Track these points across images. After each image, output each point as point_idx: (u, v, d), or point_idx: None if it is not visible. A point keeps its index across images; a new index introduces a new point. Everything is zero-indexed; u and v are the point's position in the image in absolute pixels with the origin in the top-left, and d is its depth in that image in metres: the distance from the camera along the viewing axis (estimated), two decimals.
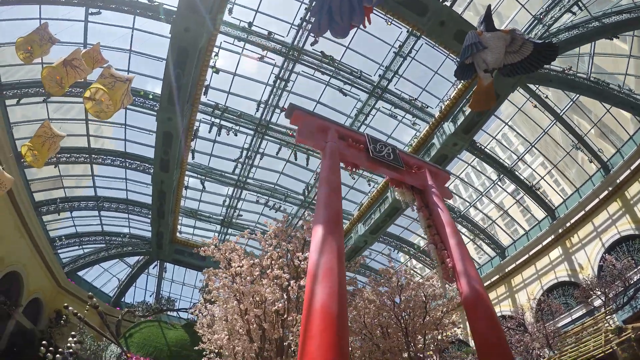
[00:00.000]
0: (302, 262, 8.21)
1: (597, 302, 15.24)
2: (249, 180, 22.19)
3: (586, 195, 17.10)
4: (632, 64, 16.00)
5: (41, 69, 8.40)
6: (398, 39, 16.39)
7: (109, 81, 8.75)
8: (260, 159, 20.83)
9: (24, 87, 15.71)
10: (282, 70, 17.07)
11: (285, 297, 8.14)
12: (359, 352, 10.05)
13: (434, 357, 10.20)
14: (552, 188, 22.08)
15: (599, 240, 16.40)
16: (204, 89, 16.48)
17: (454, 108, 17.01)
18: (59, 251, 24.45)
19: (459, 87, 16.74)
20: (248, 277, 8.19)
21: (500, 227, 25.71)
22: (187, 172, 20.60)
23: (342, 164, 8.54)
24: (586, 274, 16.12)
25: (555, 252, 18.40)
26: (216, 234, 8.72)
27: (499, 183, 21.49)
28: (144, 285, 30.06)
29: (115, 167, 20.83)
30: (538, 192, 19.42)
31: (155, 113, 16.37)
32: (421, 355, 9.83)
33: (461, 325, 12.81)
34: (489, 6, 6.96)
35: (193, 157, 20.10)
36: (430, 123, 17.74)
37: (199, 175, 21.65)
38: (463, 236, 18.42)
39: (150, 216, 22.56)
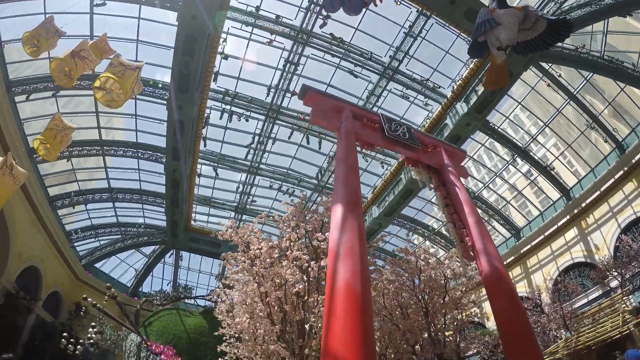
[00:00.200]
0: (322, 243, 8.14)
1: (614, 283, 15.08)
2: (261, 166, 22.19)
3: (601, 175, 16.79)
4: None
5: (49, 64, 8.33)
6: (408, 19, 16.09)
7: (118, 70, 8.67)
8: (273, 144, 20.78)
9: (32, 83, 15.74)
10: (292, 54, 16.88)
11: (305, 278, 8.09)
12: (379, 333, 10.04)
13: (454, 337, 10.15)
14: (567, 168, 21.68)
15: (614, 221, 16.13)
16: (213, 75, 16.36)
17: (466, 88, 16.75)
18: (76, 244, 24.85)
19: (470, 66, 16.45)
20: (267, 260, 8.16)
21: (514, 207, 25.48)
22: (199, 160, 20.61)
23: (357, 144, 8.44)
24: (602, 255, 15.90)
25: (571, 233, 18.17)
26: (232, 219, 8.74)
27: (513, 163, 21.18)
28: (160, 274, 30.64)
29: (127, 158, 20.95)
30: (552, 173, 19.11)
31: (165, 102, 16.35)
32: (441, 335, 9.80)
33: (477, 307, 12.71)
34: None
35: (205, 145, 20.08)
36: (443, 103, 17.50)
37: (211, 163, 21.67)
38: None
39: (164, 205, 22.73)
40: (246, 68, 17.70)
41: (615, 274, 14.63)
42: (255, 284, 8.34)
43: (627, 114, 18.74)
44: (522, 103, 19.20)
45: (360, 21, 16.40)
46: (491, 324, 20.56)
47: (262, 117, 19.33)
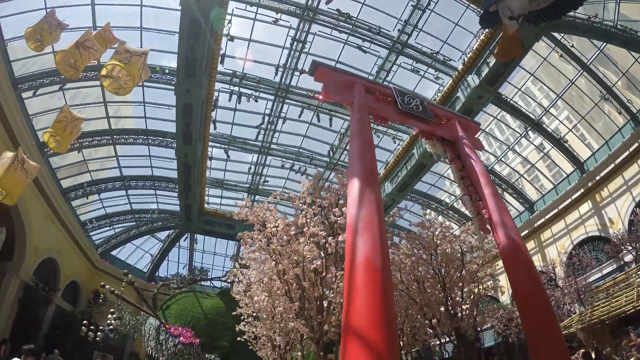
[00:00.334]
0: (339, 218, 8.09)
1: (628, 257, 14.85)
2: (272, 146, 22.14)
3: (616, 147, 16.37)
4: None
5: (54, 57, 8.26)
6: None
7: (124, 56, 8.57)
8: (283, 124, 20.69)
9: (38, 78, 15.75)
10: (298, 32, 16.59)
11: (322, 254, 8.07)
12: (396, 308, 10.04)
13: (471, 310, 10.14)
14: (581, 140, 21.28)
15: (629, 194, 15.77)
16: (220, 58, 16.19)
17: (477, 60, 16.36)
18: (91, 233, 25.23)
19: (481, 38, 16.02)
20: (284, 237, 8.14)
21: (527, 180, 25.19)
22: (210, 143, 20.59)
23: (370, 119, 8.30)
24: (617, 229, 15.62)
25: (585, 206, 17.86)
26: (247, 198, 8.70)
27: (526, 136, 20.84)
28: (176, 258, 31.17)
29: (138, 145, 21.07)
30: (566, 145, 18.77)
31: (173, 87, 16.24)
32: (459, 309, 9.80)
33: (491, 281, 12.65)
34: None
35: (215, 128, 20.02)
36: (454, 76, 17.16)
37: (222, 145, 21.66)
38: None
39: (177, 190, 22.84)
40: (253, 49, 17.52)
41: (630, 248, 14.38)
42: (273, 262, 8.34)
43: None
44: (534, 74, 18.72)
45: None
46: (505, 298, 20.59)
47: (271, 97, 19.18)
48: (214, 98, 17.90)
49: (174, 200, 25.20)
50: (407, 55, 17.44)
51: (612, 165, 16.38)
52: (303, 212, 8.33)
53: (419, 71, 17.89)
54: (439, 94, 17.98)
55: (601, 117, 21.07)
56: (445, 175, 25.02)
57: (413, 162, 19.94)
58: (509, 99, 18.32)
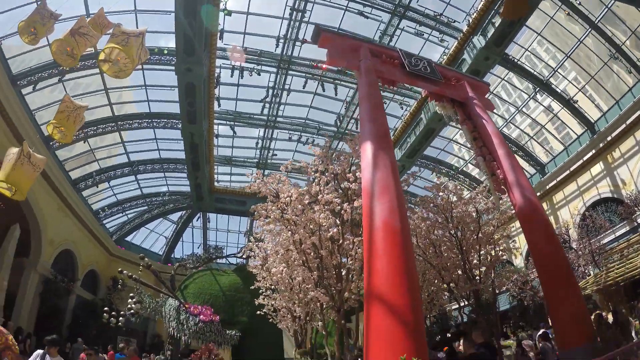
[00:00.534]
0: (352, 184, 7.98)
1: None
2: (278, 119, 21.91)
3: (627, 107, 15.90)
4: None
5: (50, 49, 8.07)
6: None
7: (121, 39, 8.35)
8: (288, 95, 20.35)
9: (37, 72, 15.58)
10: (297, 1, 16.18)
11: (338, 222, 8.01)
12: None
13: (489, 273, 10.11)
14: (591, 101, 20.74)
15: None
16: (218, 33, 15.87)
17: (482, 20, 15.85)
18: (105, 221, 25.50)
19: None
20: (299, 206, 8.06)
21: (538, 142, 24.81)
22: (215, 120, 20.38)
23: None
24: (629, 190, 15.39)
25: (597, 168, 17.56)
26: (259, 171, 8.59)
27: (534, 97, 20.38)
28: (190, 239, 31.37)
29: (143, 129, 20.95)
30: (576, 105, 18.35)
31: (174, 67, 15.99)
32: (477, 271, 9.77)
33: (511, 241, 12.56)
34: None
35: (219, 105, 19.81)
36: (459, 38, 16.69)
37: (227, 122, 21.52)
38: None
39: (186, 170, 22.82)
40: (251, 22, 17.14)
41: None
42: (289, 233, 8.31)
43: None
44: (540, 34, 18.15)
45: None
46: (519, 262, 20.58)
47: (274, 70, 18.89)
48: (216, 75, 17.63)
49: (183, 181, 25.25)
50: (410, 19, 16.95)
51: (623, 126, 15.95)
52: (316, 180, 8.25)
53: (423, 34, 17.41)
54: (445, 57, 17.55)
55: (610, 77, 20.52)
56: (454, 139, 24.72)
57: (421, 127, 19.68)
58: (516, 60, 17.86)
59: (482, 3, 15.60)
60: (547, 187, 20.28)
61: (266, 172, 24.31)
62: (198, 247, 30.49)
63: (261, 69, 18.42)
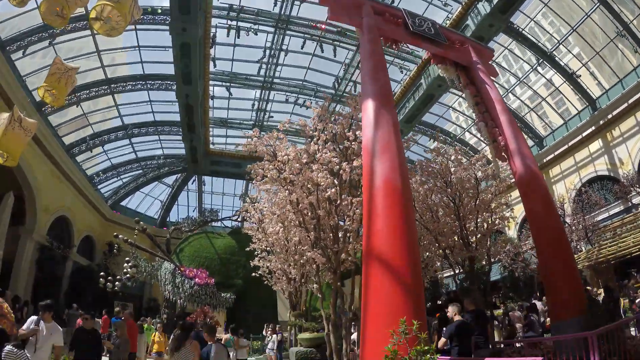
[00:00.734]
0: (352, 143, 7.82)
1: (637, 199, 14.73)
2: (275, 80, 21.53)
3: (630, 87, 15.69)
4: None
5: (38, 11, 7.68)
6: None
7: None
8: (285, 56, 19.98)
9: (26, 37, 15.08)
10: None
11: (336, 182, 7.89)
12: None
13: (485, 240, 10.12)
14: (594, 77, 20.41)
15: None
16: None
17: None
18: (99, 187, 25.32)
19: None
20: (296, 165, 7.91)
21: (537, 115, 24.60)
22: (211, 82, 19.99)
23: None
24: (626, 169, 15.38)
25: (595, 145, 17.49)
26: (256, 129, 8.35)
27: (536, 69, 20.01)
28: (185, 202, 31.51)
29: (137, 92, 20.53)
30: (579, 80, 18.04)
31: (168, 27, 15.49)
32: (473, 238, 9.77)
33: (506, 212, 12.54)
34: None
35: (215, 66, 19.32)
36: (463, 3, 16.20)
37: (223, 83, 21.10)
38: None
39: (181, 133, 22.61)
40: None
41: (639, 189, 14.23)
42: (286, 192, 8.20)
43: None
44: (547, 4, 17.60)
45: None
46: (511, 233, 20.72)
47: (271, 30, 18.35)
48: (212, 35, 17.13)
49: (178, 144, 25.02)
50: None
51: (625, 105, 15.81)
52: (314, 139, 8.08)
53: None
54: (448, 22, 17.01)
55: (614, 56, 20.13)
56: (453, 106, 24.45)
57: (421, 92, 19.41)
58: (520, 29, 17.41)
59: None
60: (544, 161, 20.23)
61: (262, 134, 24.10)
62: (193, 211, 30.51)
63: (258, 29, 17.84)
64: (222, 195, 31.47)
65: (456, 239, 9.80)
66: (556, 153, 19.48)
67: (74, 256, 21.35)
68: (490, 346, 7.19)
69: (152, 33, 17.30)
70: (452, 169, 9.70)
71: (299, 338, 11.59)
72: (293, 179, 7.95)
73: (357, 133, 7.72)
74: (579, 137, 18.13)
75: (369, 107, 5.84)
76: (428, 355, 3.67)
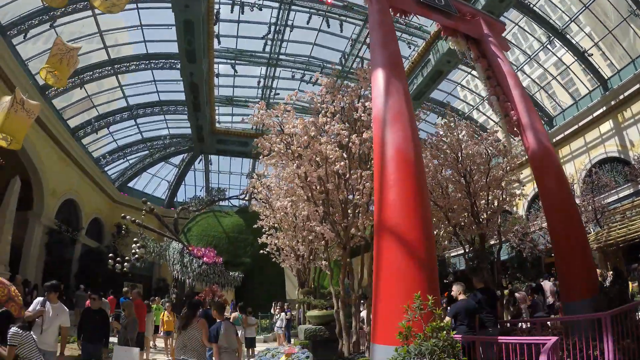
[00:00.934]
0: (362, 114, 7.63)
1: None
2: (281, 57, 21.13)
3: None
4: None
5: None
6: None
7: None
8: (291, 32, 19.43)
9: (27, 20, 14.83)
10: None
11: (345, 155, 7.74)
12: None
13: (496, 218, 9.99)
14: (606, 56, 19.91)
15: None
16: None
17: None
18: (106, 169, 25.29)
19: None
20: (304, 137, 7.73)
21: (548, 94, 24.17)
22: (215, 59, 19.66)
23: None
24: (637, 152, 15.14)
25: (606, 126, 17.15)
26: (262, 102, 8.13)
27: (545, 49, 19.54)
28: (192, 182, 31.51)
29: (140, 72, 20.33)
30: (590, 59, 17.58)
31: (170, 5, 15.16)
32: (483, 215, 9.65)
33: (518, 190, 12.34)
34: None
35: (219, 43, 18.98)
36: None
37: (228, 60, 20.78)
38: None
39: (186, 112, 22.43)
40: None
41: None
42: (294, 165, 8.09)
43: None
44: None
45: None
46: (520, 212, 20.53)
47: (276, 4, 17.86)
48: (215, 11, 16.76)
49: (184, 124, 24.78)
50: None
51: (638, 86, 15.43)
52: (323, 111, 7.90)
53: None
54: None
55: (626, 36, 19.61)
56: (462, 83, 23.99)
57: (429, 68, 19.04)
58: (531, 4, 16.89)
59: None
60: (554, 140, 19.85)
61: (268, 111, 23.89)
62: (200, 190, 30.62)
63: (262, 4, 17.36)
64: (229, 174, 31.43)
65: (466, 216, 9.68)
66: (566, 133, 19.17)
67: (83, 239, 21.50)
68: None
69: (154, 11, 17.08)
70: (463, 145, 9.51)
71: (307, 316, 11.62)
72: (301, 152, 7.81)
73: (366, 104, 7.53)
74: (590, 118, 17.80)
75: (379, 77, 5.67)
76: (444, 332, 3.52)
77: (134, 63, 19.72)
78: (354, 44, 19.93)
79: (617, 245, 13.81)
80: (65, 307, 5.76)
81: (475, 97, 25.25)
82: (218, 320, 5.73)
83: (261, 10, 17.49)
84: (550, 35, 17.90)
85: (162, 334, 11.90)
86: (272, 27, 18.97)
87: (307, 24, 18.71)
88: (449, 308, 6.40)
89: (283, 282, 20.08)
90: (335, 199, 8.30)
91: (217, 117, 25.00)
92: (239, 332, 8.52)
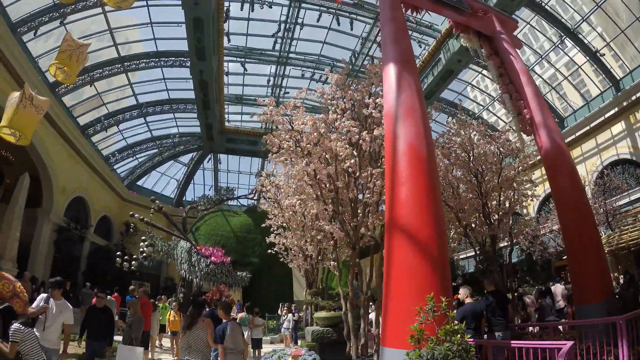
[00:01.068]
0: (373, 111, 7.50)
1: None
2: (291, 55, 21.06)
3: None
4: None
5: None
6: None
7: None
8: (301, 30, 19.35)
9: (37, 17, 14.89)
10: None
11: (355, 153, 7.61)
12: None
13: (507, 219, 9.80)
14: (616, 58, 19.59)
15: None
16: None
17: None
18: (115, 167, 25.36)
19: None
20: (314, 134, 7.59)
21: (559, 94, 23.85)
22: (225, 57, 19.61)
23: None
24: None
25: (618, 127, 16.79)
26: (272, 97, 8.00)
27: (556, 49, 19.25)
28: (201, 181, 31.58)
29: (150, 69, 20.31)
30: (602, 59, 17.27)
31: (180, 2, 15.16)
32: (495, 216, 9.48)
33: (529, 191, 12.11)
34: None
35: (229, 41, 18.93)
36: None
37: (238, 58, 20.72)
38: None
39: (195, 110, 22.40)
40: None
41: None
42: (303, 163, 7.94)
43: None
44: None
45: None
46: (530, 214, 20.24)
47: (286, 2, 17.74)
48: (225, 8, 16.74)
49: (193, 122, 24.76)
50: None
51: None
52: (333, 107, 7.78)
53: None
54: None
55: (638, 36, 19.27)
56: (473, 83, 23.72)
57: (440, 68, 18.82)
58: (543, 3, 16.69)
59: None
60: (566, 141, 19.54)
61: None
62: (209, 189, 30.70)
63: (272, 2, 17.32)
64: (238, 173, 31.43)
65: (477, 216, 9.52)
66: (577, 134, 18.84)
67: (92, 237, 21.57)
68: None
69: (164, 9, 17.10)
70: (474, 144, 9.35)
71: (315, 317, 11.51)
72: (310, 149, 7.71)
73: (377, 101, 7.41)
74: (601, 119, 17.45)
75: (390, 72, 5.55)
76: (458, 336, 3.34)
77: (144, 61, 19.74)
78: (364, 43, 19.76)
79: (629, 249, 13.51)
80: (69, 305, 5.67)
81: (485, 97, 24.99)
82: (224, 321, 5.62)
83: (271, 7, 17.44)
84: (562, 34, 17.63)
85: (168, 333, 11.84)
86: (282, 25, 18.88)
87: (317, 22, 18.60)
88: (455, 312, 6.29)
89: (291, 282, 19.98)
90: (344, 197, 8.16)
91: (226, 115, 24.95)
92: (246, 333, 8.42)
